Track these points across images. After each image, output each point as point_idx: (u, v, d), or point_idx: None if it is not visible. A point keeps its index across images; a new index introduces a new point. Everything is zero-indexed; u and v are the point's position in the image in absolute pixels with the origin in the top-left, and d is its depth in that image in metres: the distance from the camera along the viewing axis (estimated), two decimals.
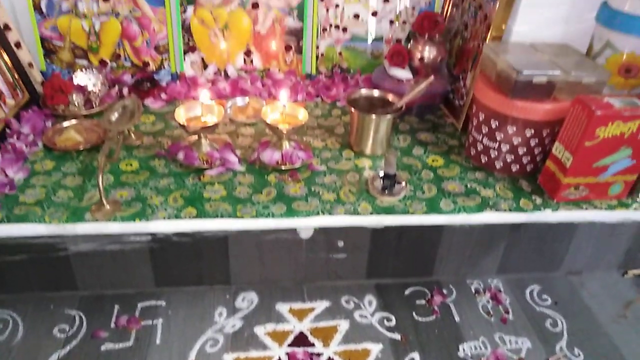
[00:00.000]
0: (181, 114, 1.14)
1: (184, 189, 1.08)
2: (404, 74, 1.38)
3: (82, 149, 1.18)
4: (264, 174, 1.15)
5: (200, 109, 1.17)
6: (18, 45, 1.30)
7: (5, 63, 1.22)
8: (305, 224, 1.06)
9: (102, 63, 1.43)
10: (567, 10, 1.20)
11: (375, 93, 1.28)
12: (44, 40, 1.39)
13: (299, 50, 1.50)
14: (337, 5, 1.46)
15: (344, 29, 1.49)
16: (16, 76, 1.26)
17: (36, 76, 1.35)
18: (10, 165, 1.08)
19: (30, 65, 1.34)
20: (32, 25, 1.36)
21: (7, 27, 1.27)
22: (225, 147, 1.18)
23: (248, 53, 1.49)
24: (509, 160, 1.15)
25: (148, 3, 1.38)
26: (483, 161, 1.19)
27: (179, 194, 1.07)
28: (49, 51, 1.40)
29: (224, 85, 1.45)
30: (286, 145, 1.17)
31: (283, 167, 1.15)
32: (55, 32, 1.38)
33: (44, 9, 1.35)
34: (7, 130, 1.16)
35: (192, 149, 1.15)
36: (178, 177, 1.12)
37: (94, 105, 1.32)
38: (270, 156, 1.16)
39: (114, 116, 1.13)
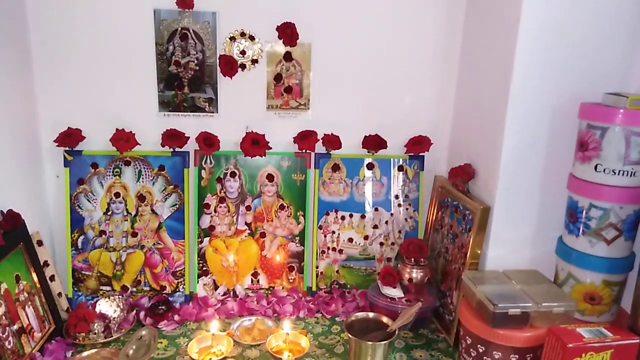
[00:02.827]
0: (193, 348, 1.25)
1: None
2: (395, 292, 1.52)
3: None
4: None
5: (211, 340, 1.28)
6: (52, 278, 1.47)
7: (40, 299, 1.37)
8: None
9: (124, 288, 1.59)
10: (532, 233, 1.40)
11: (370, 315, 1.40)
12: (74, 271, 1.57)
13: (301, 270, 1.67)
14: (333, 232, 1.68)
15: (340, 251, 1.69)
16: (46, 307, 1.40)
17: (63, 304, 1.49)
18: None
19: (59, 294, 1.49)
20: (68, 259, 1.56)
21: (46, 263, 1.45)
22: None
23: (255, 274, 1.66)
24: None
25: (170, 237, 1.60)
26: None
27: None
28: (77, 280, 1.57)
29: (232, 305, 1.58)
30: None
31: None
32: (86, 264, 1.57)
33: (79, 245, 1.56)
34: None
35: None
36: None
37: (112, 332, 1.43)
38: None
39: (131, 350, 1.24)
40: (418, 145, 1.66)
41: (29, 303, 1.32)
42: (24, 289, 1.31)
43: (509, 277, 1.33)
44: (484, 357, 1.22)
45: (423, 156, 1.69)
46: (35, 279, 1.37)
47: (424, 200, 1.72)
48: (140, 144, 1.55)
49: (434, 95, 1.67)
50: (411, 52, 1.63)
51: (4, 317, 1.20)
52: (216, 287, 1.64)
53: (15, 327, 1.24)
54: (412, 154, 1.68)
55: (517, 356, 1.19)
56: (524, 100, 1.30)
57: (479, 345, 1.22)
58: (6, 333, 1.20)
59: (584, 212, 1.22)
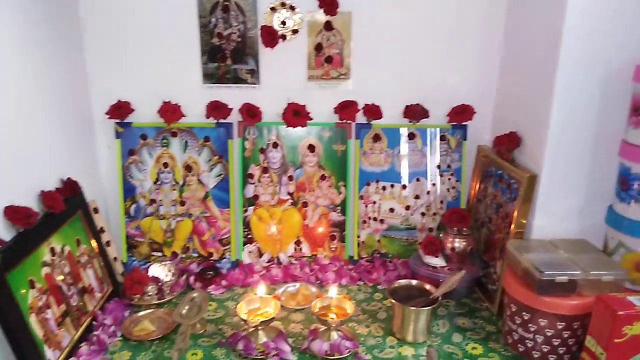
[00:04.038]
0: (243, 309, 1.30)
1: None
2: (437, 261, 1.53)
3: (154, 338, 1.33)
4: None
5: (258, 302, 1.33)
6: (108, 244, 1.56)
7: (99, 263, 1.46)
8: None
9: (174, 254, 1.66)
10: (581, 203, 1.37)
11: (413, 283, 1.42)
12: (128, 237, 1.65)
13: (342, 239, 1.70)
14: (374, 202, 1.69)
15: (381, 221, 1.70)
16: (104, 270, 1.49)
17: (118, 268, 1.58)
18: (94, 357, 1.23)
19: (115, 259, 1.58)
20: (121, 226, 1.64)
21: (102, 230, 1.54)
22: (279, 336, 1.31)
23: (298, 242, 1.70)
24: (545, 350, 1.22)
25: (216, 205, 1.66)
26: (521, 350, 1.26)
27: None
28: (131, 246, 1.66)
29: (276, 272, 1.63)
30: (334, 335, 1.29)
31: (332, 357, 1.25)
32: (138, 231, 1.65)
33: (132, 213, 1.64)
34: (94, 323, 1.34)
35: (250, 339, 1.29)
36: None
37: (164, 295, 1.51)
38: (319, 346, 1.27)
39: (184, 310, 1.30)
40: (461, 114, 1.63)
41: (89, 265, 1.41)
42: (84, 252, 1.39)
43: (556, 246, 1.31)
44: (529, 324, 1.22)
45: (466, 125, 1.67)
46: (94, 243, 1.46)
47: (467, 170, 1.70)
48: (185, 116, 1.60)
49: (478, 62, 1.63)
50: (454, 19, 1.59)
51: (68, 277, 1.29)
52: (261, 255, 1.69)
53: (79, 286, 1.33)
54: (454, 123, 1.66)
55: (563, 324, 1.18)
56: (574, 64, 1.26)
57: (524, 313, 1.22)
58: (71, 291, 1.28)
59: (637, 179, 1.18)
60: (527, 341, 1.23)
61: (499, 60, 1.62)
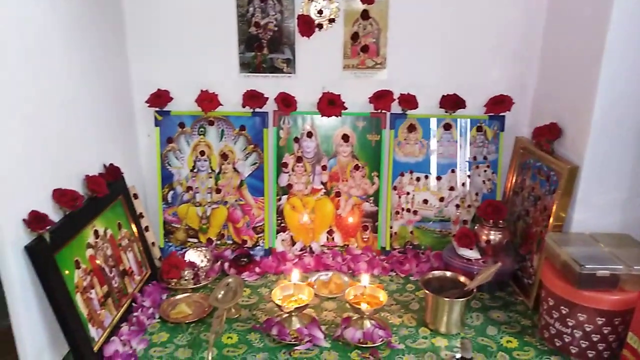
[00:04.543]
0: (277, 295, 1.32)
1: None
2: (472, 254, 1.51)
3: (191, 320, 1.37)
4: (347, 351, 1.26)
5: (292, 289, 1.35)
6: (147, 229, 1.60)
7: (138, 247, 1.51)
8: None
9: (209, 241, 1.70)
10: (624, 196, 1.33)
11: (447, 274, 1.41)
12: (165, 223, 1.69)
13: (375, 230, 1.70)
14: (408, 193, 1.68)
15: (415, 212, 1.69)
16: (143, 254, 1.53)
17: (156, 253, 1.63)
18: (134, 337, 1.27)
19: (153, 244, 1.62)
20: (159, 212, 1.68)
21: (141, 215, 1.58)
22: (312, 323, 1.32)
23: (330, 232, 1.71)
24: (583, 345, 1.19)
25: (251, 194, 1.68)
26: (557, 344, 1.24)
27: None
28: (168, 232, 1.70)
29: (309, 261, 1.65)
30: (367, 324, 1.29)
31: (365, 345, 1.26)
32: (175, 217, 1.69)
33: (169, 199, 1.68)
34: (134, 304, 1.38)
35: (284, 325, 1.30)
36: (272, 351, 1.25)
37: (200, 280, 1.55)
38: (352, 334, 1.28)
39: (220, 294, 1.33)
40: (499, 105, 1.60)
41: (129, 249, 1.45)
42: (125, 236, 1.44)
43: (597, 240, 1.28)
44: (567, 319, 1.19)
45: (504, 116, 1.63)
46: (134, 228, 1.50)
47: (503, 162, 1.67)
48: (222, 105, 1.62)
49: (517, 52, 1.60)
50: (495, 7, 1.56)
51: (110, 259, 1.33)
52: (293, 243, 1.71)
53: (120, 268, 1.37)
54: (492, 114, 1.63)
55: (603, 319, 1.15)
56: (621, 52, 1.22)
57: (562, 307, 1.20)
58: (113, 273, 1.33)
59: None
60: (564, 336, 1.21)
61: (539, 50, 1.58)
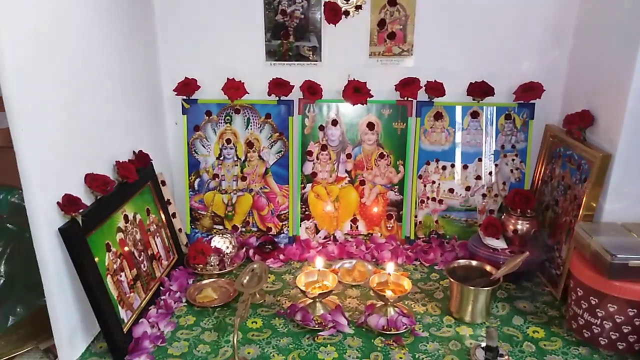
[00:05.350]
0: (302, 280, 1.33)
1: (301, 349, 1.22)
2: (498, 243, 1.49)
3: (216, 305, 1.39)
4: (371, 337, 1.26)
5: (316, 275, 1.36)
6: (174, 215, 1.63)
7: (166, 232, 1.54)
8: None
9: (234, 228, 1.72)
10: None
11: (473, 263, 1.40)
12: (192, 210, 1.72)
13: (399, 219, 1.69)
14: (433, 182, 1.67)
15: (440, 201, 1.68)
16: (170, 240, 1.57)
17: (182, 239, 1.66)
18: (161, 319, 1.30)
19: (180, 230, 1.65)
20: (186, 199, 1.71)
21: (168, 201, 1.62)
22: (336, 309, 1.33)
23: (354, 220, 1.71)
24: (613, 337, 1.17)
25: (275, 182, 1.69)
26: (586, 335, 1.21)
27: (297, 353, 1.20)
28: (194, 218, 1.73)
29: (332, 249, 1.65)
30: (391, 311, 1.29)
31: (388, 332, 1.26)
32: (202, 204, 1.72)
33: (196, 187, 1.71)
34: (161, 288, 1.42)
35: (308, 310, 1.32)
36: (295, 336, 1.27)
37: (226, 266, 1.57)
38: (376, 321, 1.28)
39: (245, 279, 1.35)
40: (529, 92, 1.57)
41: (157, 234, 1.48)
42: (153, 222, 1.47)
43: (629, 230, 1.24)
44: (597, 310, 1.17)
45: (533, 104, 1.60)
46: (162, 214, 1.53)
47: (532, 151, 1.63)
48: (248, 93, 1.63)
49: (549, 38, 1.56)
50: None
51: (139, 243, 1.37)
52: (317, 231, 1.72)
53: (149, 253, 1.41)
54: (521, 101, 1.60)
55: (635, 310, 1.12)
56: None
57: (591, 298, 1.17)
58: (141, 257, 1.36)
59: None
60: (593, 327, 1.19)
61: (572, 36, 1.54)
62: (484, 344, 1.17)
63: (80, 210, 1.13)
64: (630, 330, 1.14)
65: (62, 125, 1.13)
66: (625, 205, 1.31)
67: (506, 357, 1.16)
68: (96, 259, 1.16)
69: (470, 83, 1.59)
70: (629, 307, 1.12)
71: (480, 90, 1.58)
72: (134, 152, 1.46)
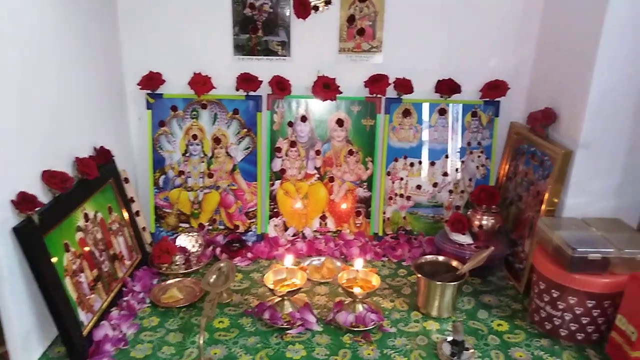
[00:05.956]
0: (270, 279, 1.31)
1: (269, 348, 1.20)
2: (464, 239, 1.51)
3: (182, 305, 1.36)
4: (339, 334, 1.26)
5: (285, 273, 1.35)
6: (137, 213, 1.59)
7: (129, 231, 1.49)
8: None
9: (201, 226, 1.69)
10: (617, 182, 1.33)
11: (440, 258, 1.41)
12: (156, 208, 1.68)
13: (368, 215, 1.70)
14: (401, 178, 1.68)
15: (408, 197, 1.69)
16: (134, 239, 1.52)
17: (147, 238, 1.61)
18: (124, 321, 1.26)
19: (144, 229, 1.61)
20: (150, 196, 1.67)
21: (132, 199, 1.57)
22: (305, 307, 1.32)
23: (323, 217, 1.70)
24: (573, 328, 1.20)
25: (243, 178, 1.67)
26: (547, 328, 1.25)
27: (265, 353, 1.19)
28: (159, 216, 1.68)
29: (301, 246, 1.64)
30: (359, 307, 1.29)
31: (357, 329, 1.26)
32: (167, 202, 1.67)
33: (161, 184, 1.66)
34: (124, 289, 1.37)
35: (276, 309, 1.30)
36: (263, 335, 1.25)
37: (191, 265, 1.54)
38: (344, 318, 1.28)
39: (212, 278, 1.32)
40: (494, 90, 1.60)
41: (120, 233, 1.44)
42: (115, 220, 1.42)
43: (589, 224, 1.28)
44: (558, 302, 1.20)
45: (499, 102, 1.63)
46: (124, 212, 1.49)
47: (497, 148, 1.67)
48: (215, 88, 1.60)
49: (514, 36, 1.59)
50: None
51: (100, 243, 1.32)
52: (286, 229, 1.70)
53: (110, 253, 1.36)
54: (487, 99, 1.62)
55: (593, 302, 1.16)
56: (619, 36, 1.21)
57: (553, 291, 1.20)
58: (103, 257, 1.32)
59: None
60: (554, 319, 1.22)
61: (536, 35, 1.58)
62: (450, 338, 1.19)
63: (37, 209, 1.08)
64: (589, 321, 1.18)
65: (15, 118, 1.07)
66: (586, 201, 1.36)
67: (471, 350, 1.18)
68: (54, 260, 1.11)
69: (438, 80, 1.61)
70: (588, 299, 1.16)
71: (447, 87, 1.60)
72: (95, 148, 1.41)
